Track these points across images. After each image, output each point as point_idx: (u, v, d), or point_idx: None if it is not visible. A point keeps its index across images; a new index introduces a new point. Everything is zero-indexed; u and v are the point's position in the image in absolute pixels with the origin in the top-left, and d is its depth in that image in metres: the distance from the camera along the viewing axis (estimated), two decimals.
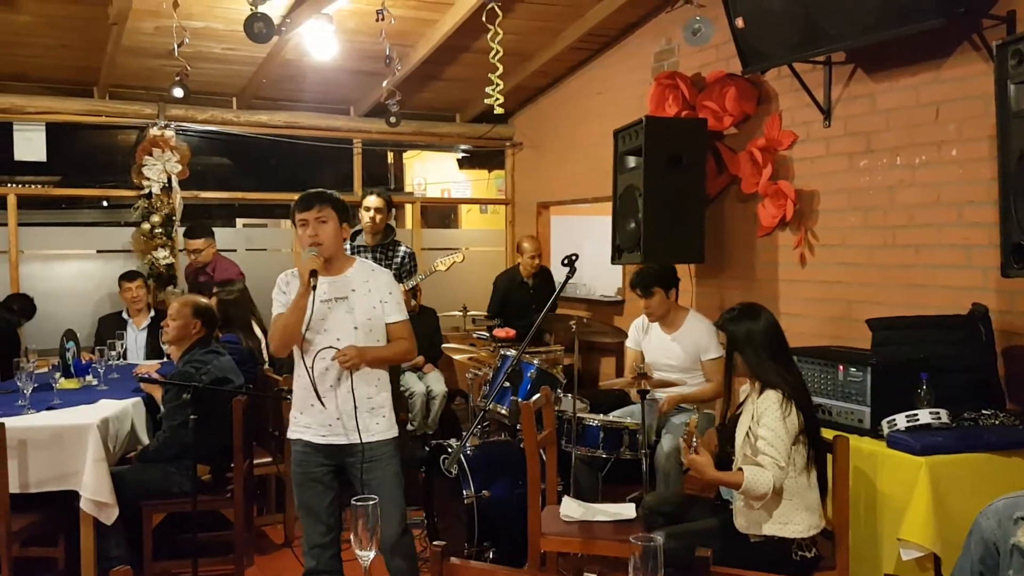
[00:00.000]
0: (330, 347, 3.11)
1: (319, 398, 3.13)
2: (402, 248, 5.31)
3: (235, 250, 6.83)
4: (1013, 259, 3.05)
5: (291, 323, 3.07)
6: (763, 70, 4.61)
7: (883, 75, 4.17)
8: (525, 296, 6.43)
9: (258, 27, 4.48)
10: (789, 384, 2.94)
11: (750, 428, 2.95)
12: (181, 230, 6.49)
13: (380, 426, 3.21)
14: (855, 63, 4.30)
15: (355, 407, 3.11)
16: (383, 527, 3.19)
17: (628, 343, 4.69)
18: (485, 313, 6.59)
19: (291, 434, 3.26)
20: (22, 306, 5.71)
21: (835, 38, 3.90)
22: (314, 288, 3.03)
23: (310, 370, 3.12)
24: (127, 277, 5.94)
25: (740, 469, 2.89)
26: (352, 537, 1.86)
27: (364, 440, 3.13)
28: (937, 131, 3.91)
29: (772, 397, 2.90)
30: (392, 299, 3.23)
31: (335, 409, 3.14)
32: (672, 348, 4.42)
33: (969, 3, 3.48)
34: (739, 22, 4.30)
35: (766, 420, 2.87)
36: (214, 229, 6.30)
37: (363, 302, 3.17)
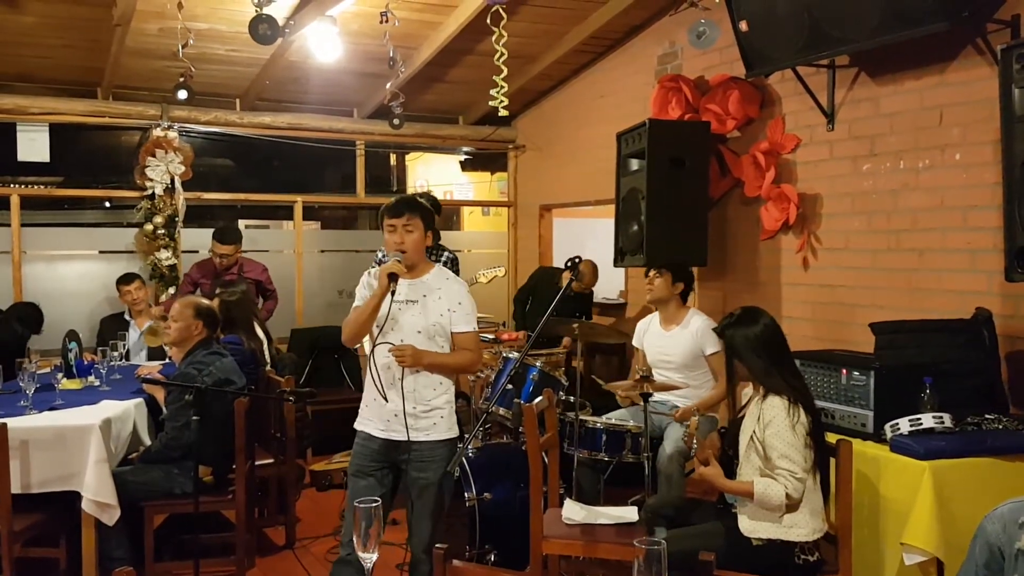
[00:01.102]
0: (388, 343, 3.18)
1: (381, 392, 3.21)
2: (445, 253, 5.34)
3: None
4: (1017, 263, 3.04)
5: (363, 319, 3.19)
6: (767, 73, 4.61)
7: (887, 79, 4.17)
8: (553, 296, 6.37)
9: (263, 29, 4.48)
10: (793, 388, 2.94)
11: (755, 432, 2.94)
12: (184, 231, 6.51)
13: (437, 427, 3.25)
14: (859, 66, 4.30)
15: (413, 406, 3.19)
16: (419, 529, 3.23)
17: (634, 342, 4.68)
18: (487, 316, 6.59)
19: (356, 425, 3.35)
20: (30, 319, 5.68)
21: (839, 41, 3.90)
22: (393, 292, 3.14)
23: (374, 368, 3.21)
24: (124, 280, 5.93)
25: (752, 481, 2.88)
26: (355, 538, 1.85)
27: (417, 439, 3.20)
28: (941, 135, 3.91)
29: (778, 404, 2.89)
30: (461, 309, 3.27)
31: (393, 406, 3.19)
32: (670, 344, 4.40)
33: (974, 7, 3.48)
34: (743, 25, 4.30)
35: (775, 429, 2.86)
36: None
37: (432, 308, 3.24)
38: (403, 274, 3.17)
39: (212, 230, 6.20)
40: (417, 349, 3.16)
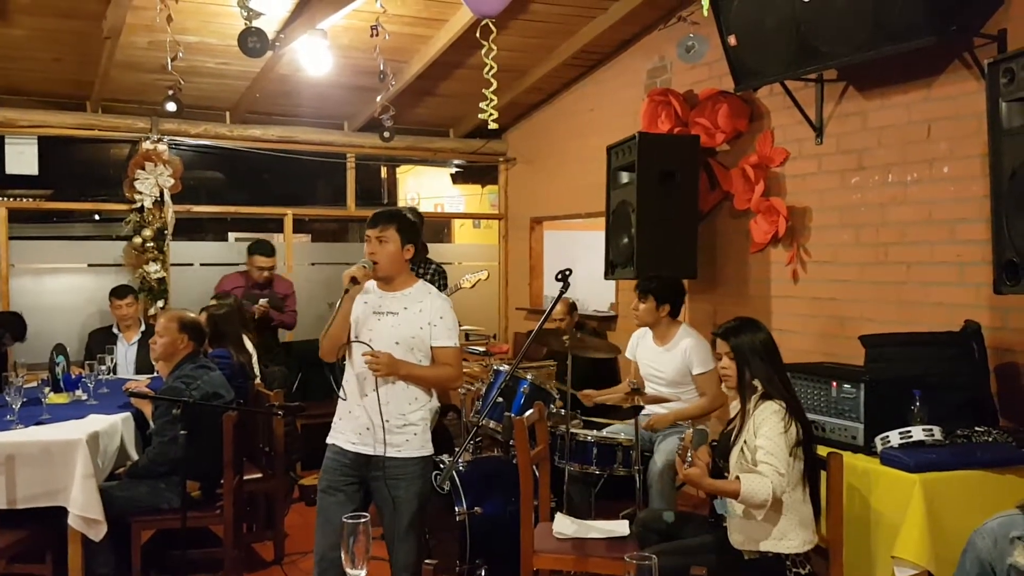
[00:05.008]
0: (365, 343, 3.15)
1: (355, 396, 3.20)
2: (432, 266, 5.34)
3: (230, 264, 6.82)
4: (1005, 276, 3.06)
5: (332, 327, 3.21)
6: (755, 87, 4.64)
7: (875, 93, 4.20)
8: None
9: (252, 42, 4.48)
10: (787, 397, 2.94)
11: (746, 441, 2.93)
12: (173, 244, 6.49)
13: (410, 444, 3.21)
14: (847, 81, 4.33)
15: (387, 419, 3.14)
16: (399, 550, 3.19)
17: (627, 354, 4.69)
18: (477, 328, 6.58)
19: (328, 438, 3.32)
20: (12, 327, 5.65)
21: (827, 56, 3.93)
22: (346, 291, 3.14)
23: (337, 385, 3.24)
24: (118, 294, 5.89)
25: (737, 477, 2.86)
26: (343, 555, 1.84)
27: (389, 455, 3.15)
28: (929, 149, 3.93)
29: (772, 408, 2.89)
30: (442, 324, 3.23)
31: (367, 418, 3.17)
32: (661, 360, 4.41)
33: (960, 22, 3.51)
34: (731, 40, 4.33)
35: (765, 430, 2.85)
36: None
37: (411, 321, 3.21)
38: (364, 279, 3.16)
39: (199, 243, 6.19)
40: (393, 358, 3.12)
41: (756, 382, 3.00)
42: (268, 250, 6.18)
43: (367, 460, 3.19)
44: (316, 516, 3.29)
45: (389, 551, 3.25)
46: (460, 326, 6.18)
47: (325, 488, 3.25)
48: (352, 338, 3.21)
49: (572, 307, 5.84)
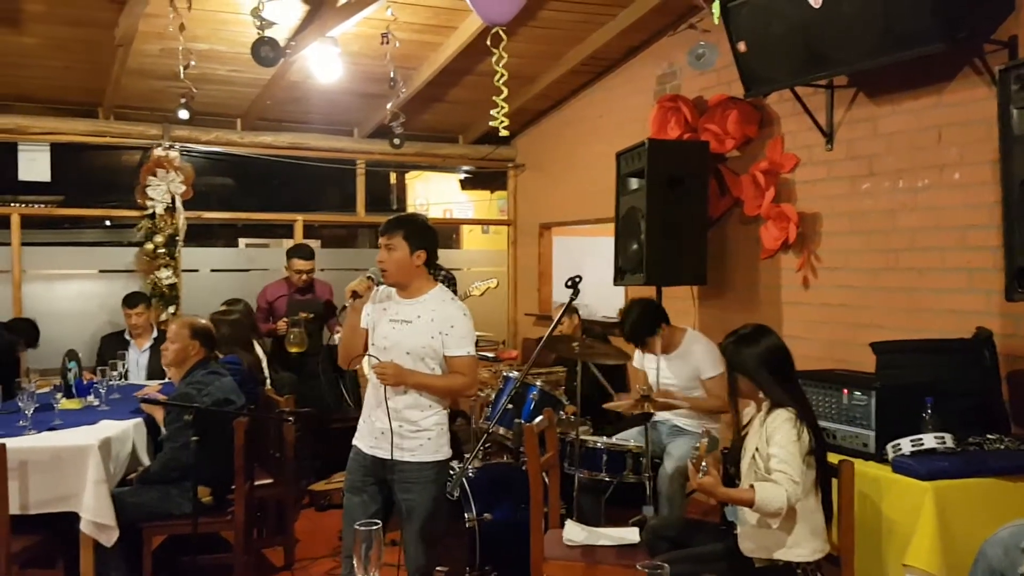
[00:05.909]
0: (374, 356, 3.19)
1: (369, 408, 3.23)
2: (441, 272, 5.35)
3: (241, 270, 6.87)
4: (1017, 283, 3.05)
5: (345, 339, 3.33)
6: (765, 93, 4.63)
7: (885, 99, 4.19)
8: None
9: (265, 51, 4.50)
10: (797, 405, 2.93)
11: (757, 449, 2.92)
12: (185, 250, 6.52)
13: (424, 448, 3.21)
14: (857, 87, 4.32)
15: (400, 425, 3.17)
16: (411, 552, 3.20)
17: (635, 363, 4.68)
18: (486, 334, 6.58)
19: (354, 440, 3.37)
20: (26, 332, 5.67)
21: (837, 62, 3.93)
22: (344, 308, 3.23)
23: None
24: (129, 303, 5.87)
25: (751, 486, 2.84)
26: (355, 561, 1.84)
27: (402, 459, 3.18)
28: (939, 155, 3.92)
29: (784, 415, 2.88)
30: (455, 332, 3.20)
31: (382, 424, 3.19)
32: (669, 368, 4.40)
33: (970, 29, 3.50)
34: (741, 46, 4.33)
35: (778, 438, 2.84)
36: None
37: (424, 329, 3.20)
38: (366, 292, 3.19)
39: (210, 249, 6.21)
40: (400, 368, 3.13)
41: (761, 393, 3.00)
42: (306, 253, 6.22)
43: (381, 463, 3.22)
44: (343, 516, 3.35)
45: (406, 555, 3.27)
46: None
47: (349, 488, 3.30)
48: (371, 344, 3.24)
49: (573, 312, 5.84)
